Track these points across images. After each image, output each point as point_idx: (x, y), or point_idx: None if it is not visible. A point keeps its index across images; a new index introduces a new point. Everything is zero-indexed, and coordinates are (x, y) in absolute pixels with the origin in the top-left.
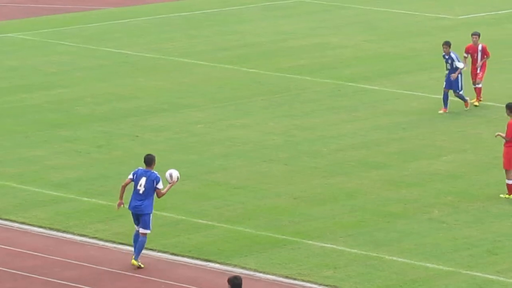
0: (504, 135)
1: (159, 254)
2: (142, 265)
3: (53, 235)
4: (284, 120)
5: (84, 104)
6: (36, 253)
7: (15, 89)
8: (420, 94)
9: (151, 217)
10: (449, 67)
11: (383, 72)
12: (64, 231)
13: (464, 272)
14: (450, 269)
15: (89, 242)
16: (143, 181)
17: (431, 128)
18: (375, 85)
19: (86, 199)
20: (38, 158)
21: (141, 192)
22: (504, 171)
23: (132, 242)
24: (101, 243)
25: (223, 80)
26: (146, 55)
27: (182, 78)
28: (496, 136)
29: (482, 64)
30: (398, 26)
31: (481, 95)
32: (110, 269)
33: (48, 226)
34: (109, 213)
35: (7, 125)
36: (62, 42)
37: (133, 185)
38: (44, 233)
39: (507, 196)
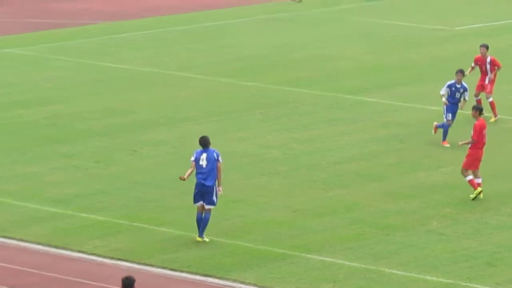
0: (468, 140)
1: (158, 269)
2: (207, 239)
3: (51, 251)
4: (282, 133)
5: (81, 120)
6: (34, 270)
7: (13, 105)
8: (418, 106)
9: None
10: (458, 96)
11: (381, 84)
12: (62, 248)
13: (464, 284)
14: (450, 281)
15: (87, 259)
16: (204, 156)
17: (429, 140)
18: (373, 97)
19: (84, 215)
20: (35, 174)
21: (204, 166)
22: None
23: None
24: (99, 259)
25: (221, 93)
26: (143, 69)
27: (179, 92)
28: (460, 146)
29: (494, 76)
30: (395, 38)
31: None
32: (108, 285)
33: (46, 242)
34: (107, 229)
35: (4, 141)
36: (59, 57)
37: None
38: (42, 250)
39: (475, 194)
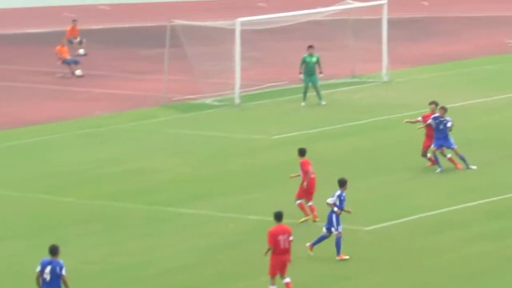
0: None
1: None
2: None
3: None
4: (101, 248)
5: None
6: None
7: None
8: (237, 215)
9: None
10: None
11: (199, 195)
12: None
13: None
14: None
15: None
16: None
17: (248, 249)
18: (191, 208)
19: None
20: None
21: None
22: None
23: None
24: None
25: (37, 210)
26: None
27: None
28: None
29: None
30: (212, 149)
31: None
32: None
33: None
34: None
35: None
36: None
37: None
38: None
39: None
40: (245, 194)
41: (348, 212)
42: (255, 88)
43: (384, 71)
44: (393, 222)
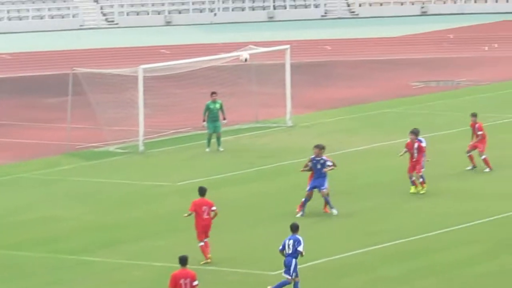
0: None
1: None
2: None
3: None
4: None
5: None
6: None
7: None
8: (143, 262)
9: None
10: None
11: (105, 243)
12: None
13: None
14: None
15: None
16: None
17: None
18: (97, 256)
19: None
20: None
21: None
22: None
23: None
24: None
25: None
26: None
27: None
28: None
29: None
30: (117, 196)
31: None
32: None
33: None
34: None
35: None
36: None
37: None
38: None
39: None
40: (150, 240)
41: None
42: (159, 135)
43: (288, 116)
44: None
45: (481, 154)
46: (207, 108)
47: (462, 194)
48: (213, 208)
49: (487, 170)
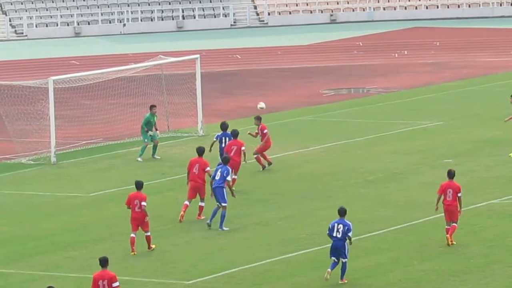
0: None
1: None
2: None
3: None
4: None
5: None
6: None
7: None
8: (57, 274)
9: None
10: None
11: (18, 254)
12: None
13: None
14: None
15: None
16: None
17: None
18: (10, 268)
19: None
20: None
21: None
22: None
23: None
24: None
25: None
26: None
27: None
28: None
29: None
30: (30, 208)
31: None
32: None
33: None
34: None
35: None
36: None
37: None
38: None
39: None
40: (64, 251)
41: None
42: (70, 146)
43: (199, 125)
44: (213, 276)
45: (256, 152)
46: (147, 122)
47: (373, 202)
48: (143, 203)
49: (262, 169)
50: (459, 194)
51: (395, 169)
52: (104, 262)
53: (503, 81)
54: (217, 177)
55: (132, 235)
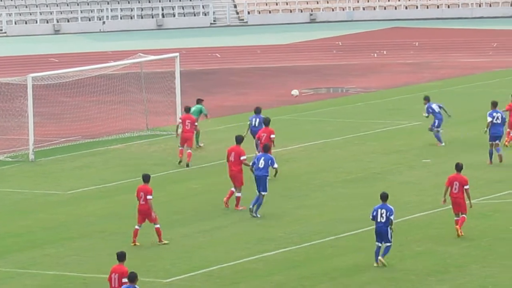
0: None
1: None
2: None
3: None
4: None
5: None
6: None
7: None
8: (34, 271)
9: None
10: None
11: None
12: None
13: None
14: None
15: None
16: None
17: None
18: None
19: None
20: None
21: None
22: None
23: None
24: None
25: None
26: None
27: None
28: None
29: None
30: (7, 205)
31: None
32: None
33: None
34: None
35: None
36: None
37: None
38: None
39: None
40: (41, 249)
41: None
42: (49, 143)
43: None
44: (191, 274)
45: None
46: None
47: (351, 201)
48: (148, 196)
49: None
50: (466, 187)
51: (373, 168)
52: (120, 256)
53: (481, 81)
54: (260, 165)
55: (136, 227)
